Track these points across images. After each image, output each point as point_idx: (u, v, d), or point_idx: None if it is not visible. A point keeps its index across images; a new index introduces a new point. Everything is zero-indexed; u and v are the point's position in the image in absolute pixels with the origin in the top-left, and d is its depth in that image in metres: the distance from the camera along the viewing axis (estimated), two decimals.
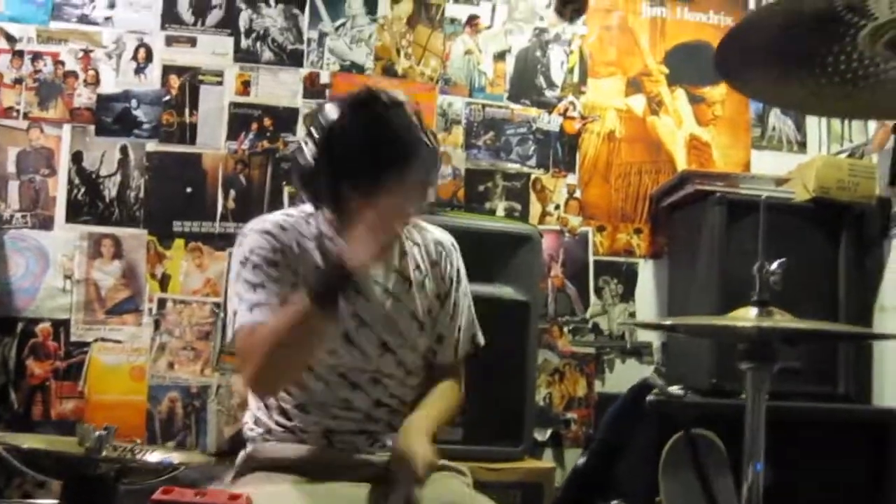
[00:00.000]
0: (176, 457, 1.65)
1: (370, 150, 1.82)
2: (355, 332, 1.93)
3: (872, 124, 3.38)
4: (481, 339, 2.15)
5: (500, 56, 3.55)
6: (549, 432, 3.36)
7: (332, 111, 1.87)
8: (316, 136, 1.85)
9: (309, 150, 1.86)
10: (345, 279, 1.70)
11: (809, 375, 2.98)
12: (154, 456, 1.66)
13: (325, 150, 1.84)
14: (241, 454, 1.99)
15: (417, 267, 2.03)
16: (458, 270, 2.10)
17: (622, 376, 3.44)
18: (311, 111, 1.97)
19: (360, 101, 1.87)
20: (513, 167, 3.50)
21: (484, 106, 3.50)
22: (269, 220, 1.96)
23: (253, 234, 1.93)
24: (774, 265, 1.60)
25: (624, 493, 2.71)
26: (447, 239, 2.12)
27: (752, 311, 1.55)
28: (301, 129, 3.28)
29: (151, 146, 3.25)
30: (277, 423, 1.95)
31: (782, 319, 1.51)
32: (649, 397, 1.25)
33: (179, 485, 2.33)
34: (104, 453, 1.61)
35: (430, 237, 2.09)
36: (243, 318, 1.83)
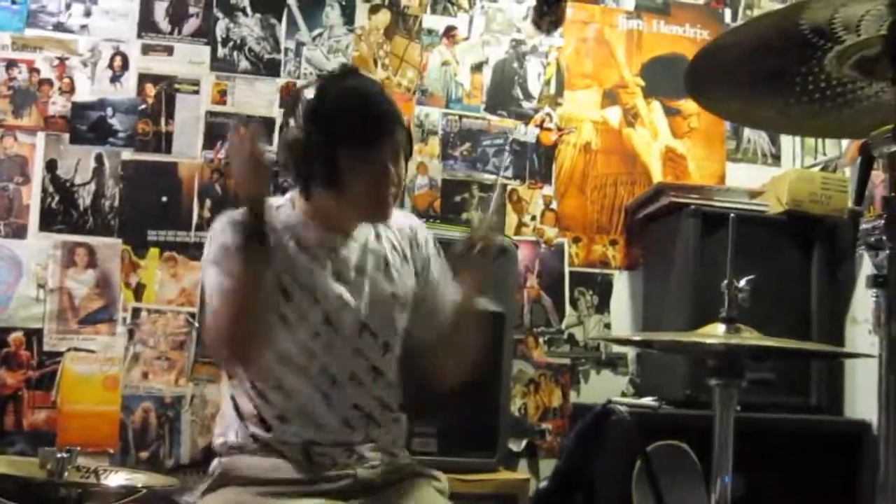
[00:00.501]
0: (140, 479, 1.64)
1: (361, 110, 1.91)
2: (336, 312, 1.95)
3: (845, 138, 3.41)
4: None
5: (478, 67, 3.56)
6: (524, 443, 3.36)
7: (313, 88, 1.97)
8: (301, 113, 1.92)
9: (295, 129, 1.91)
10: (240, 207, 1.81)
11: (782, 387, 3.01)
12: (118, 478, 1.64)
13: (314, 120, 1.90)
14: (214, 467, 1.99)
15: (394, 248, 2.09)
16: (432, 245, 2.17)
17: (597, 387, 3.45)
18: (290, 98, 2.10)
19: (338, 74, 2.10)
20: (489, 178, 3.51)
21: (461, 117, 3.51)
22: (240, 211, 1.98)
23: (225, 223, 1.93)
24: (743, 282, 1.61)
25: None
26: (415, 219, 2.23)
27: (720, 328, 1.56)
28: (277, 140, 3.28)
29: (127, 155, 3.23)
30: (254, 437, 1.94)
31: (749, 336, 1.52)
32: (620, 409, 1.26)
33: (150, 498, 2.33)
34: (66, 476, 1.60)
35: (400, 219, 2.15)
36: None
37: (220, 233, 1.92)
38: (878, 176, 1.42)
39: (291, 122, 1.94)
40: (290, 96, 2.05)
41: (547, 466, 3.34)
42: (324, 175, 1.91)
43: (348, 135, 1.88)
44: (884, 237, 1.32)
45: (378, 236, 2.08)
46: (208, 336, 1.96)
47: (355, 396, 1.98)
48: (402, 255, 2.09)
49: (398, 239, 2.11)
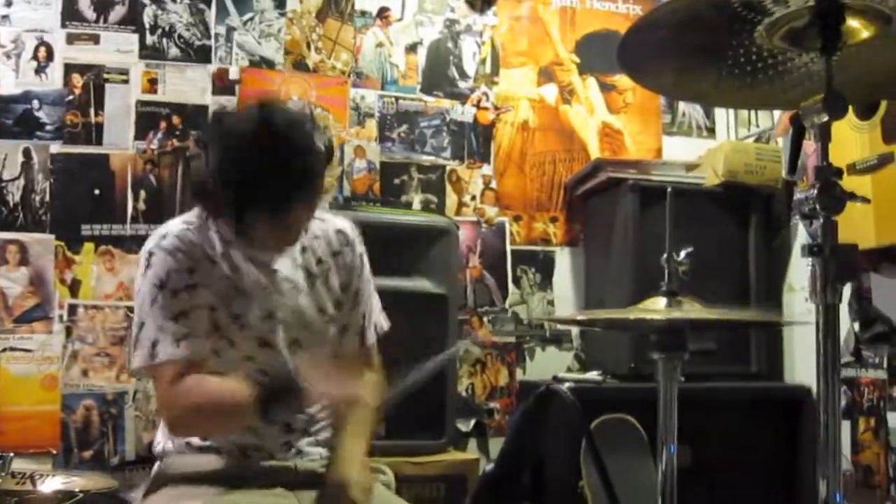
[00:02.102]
0: (78, 483, 1.60)
1: (276, 183, 1.75)
2: (271, 333, 1.92)
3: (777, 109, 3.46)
4: (385, 324, 2.15)
5: (412, 48, 3.53)
6: (472, 422, 3.38)
7: (228, 136, 1.78)
8: (214, 162, 1.77)
9: (209, 167, 1.78)
10: (295, 407, 1.76)
11: (723, 356, 3.06)
12: (55, 482, 1.61)
13: (226, 179, 1.76)
14: (154, 469, 1.96)
15: (320, 261, 2.02)
16: (360, 256, 2.09)
17: (543, 364, 3.48)
18: (210, 120, 1.92)
19: (257, 130, 1.76)
20: (427, 159, 3.49)
21: (397, 98, 3.49)
22: (173, 233, 1.89)
23: (163, 254, 1.86)
24: (682, 255, 1.63)
25: (546, 481, 2.74)
26: (348, 226, 2.10)
27: (661, 302, 1.57)
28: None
29: (56, 148, 3.14)
30: (189, 443, 1.92)
31: (690, 309, 1.53)
32: (563, 389, 1.27)
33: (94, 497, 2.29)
34: (0, 483, 1.56)
35: (331, 227, 2.07)
36: (169, 351, 1.80)
37: (172, 270, 1.85)
38: (810, 146, 1.43)
39: (207, 154, 1.79)
40: (209, 120, 1.89)
41: (496, 445, 3.36)
42: (230, 219, 1.83)
43: (258, 204, 1.78)
44: (817, 206, 1.33)
45: (304, 249, 2.00)
46: (171, 407, 1.86)
47: None
48: (327, 267, 2.03)
49: (325, 250, 2.03)
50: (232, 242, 1.91)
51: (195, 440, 1.91)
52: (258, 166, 1.74)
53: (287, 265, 1.97)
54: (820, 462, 1.32)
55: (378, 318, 2.14)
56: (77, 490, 1.46)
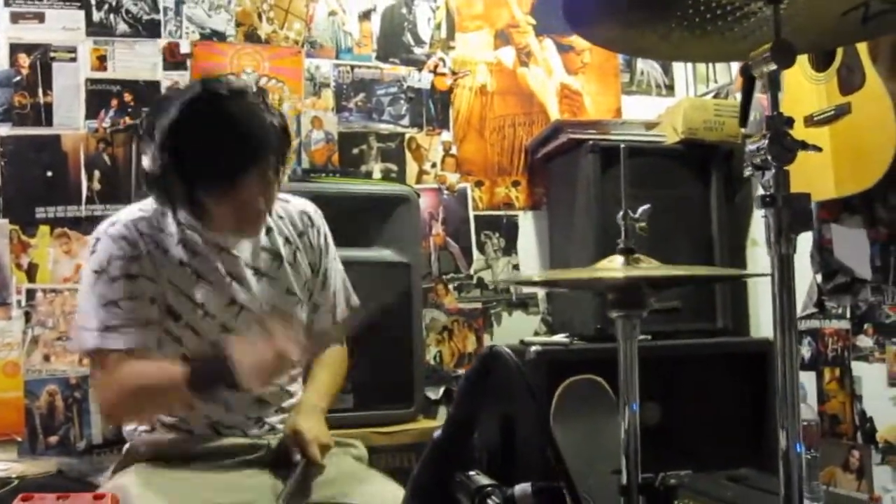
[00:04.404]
0: (16, 469, 1.58)
1: (219, 151, 1.72)
2: (234, 320, 1.90)
3: (735, 64, 3.45)
4: (356, 301, 2.16)
5: (366, 15, 3.48)
6: (441, 390, 3.37)
7: (170, 111, 1.72)
8: (157, 139, 1.71)
9: (152, 155, 1.73)
10: (228, 382, 1.67)
11: (689, 313, 3.08)
12: None
13: (170, 154, 1.71)
14: (124, 449, 1.94)
15: (287, 241, 2.00)
16: (324, 237, 2.09)
17: (510, 329, 3.48)
18: (148, 110, 1.84)
19: (198, 98, 1.73)
20: (386, 128, 3.45)
21: (352, 67, 3.44)
22: (122, 221, 1.86)
23: (107, 241, 1.83)
24: (638, 212, 1.61)
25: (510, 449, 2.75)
26: (310, 207, 2.09)
27: (618, 260, 1.56)
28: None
29: (4, 130, 3.07)
30: (160, 421, 1.91)
31: (647, 267, 1.52)
32: (505, 350, 1.25)
33: (62, 480, 2.27)
34: None
35: (294, 208, 2.06)
36: (94, 340, 1.78)
37: (115, 257, 1.82)
38: (765, 100, 1.41)
39: (149, 143, 1.73)
40: (148, 112, 1.81)
41: None
42: (185, 207, 1.80)
43: (205, 176, 1.73)
44: (768, 157, 1.32)
45: (269, 230, 1.98)
46: (102, 392, 1.88)
47: None
48: (295, 247, 2.02)
49: (290, 230, 2.02)
50: (191, 227, 1.88)
51: (166, 418, 1.89)
52: (197, 135, 1.70)
53: (248, 249, 1.94)
54: (779, 412, 1.31)
55: (348, 295, 2.15)
56: (14, 476, 1.43)
